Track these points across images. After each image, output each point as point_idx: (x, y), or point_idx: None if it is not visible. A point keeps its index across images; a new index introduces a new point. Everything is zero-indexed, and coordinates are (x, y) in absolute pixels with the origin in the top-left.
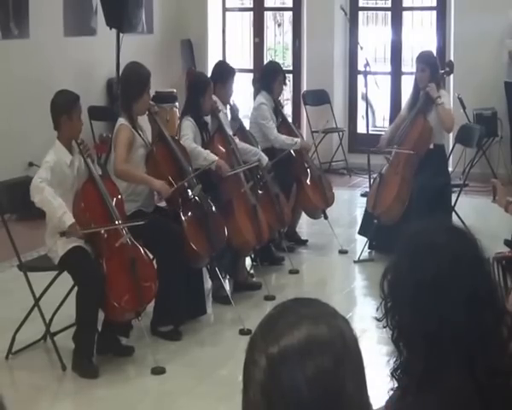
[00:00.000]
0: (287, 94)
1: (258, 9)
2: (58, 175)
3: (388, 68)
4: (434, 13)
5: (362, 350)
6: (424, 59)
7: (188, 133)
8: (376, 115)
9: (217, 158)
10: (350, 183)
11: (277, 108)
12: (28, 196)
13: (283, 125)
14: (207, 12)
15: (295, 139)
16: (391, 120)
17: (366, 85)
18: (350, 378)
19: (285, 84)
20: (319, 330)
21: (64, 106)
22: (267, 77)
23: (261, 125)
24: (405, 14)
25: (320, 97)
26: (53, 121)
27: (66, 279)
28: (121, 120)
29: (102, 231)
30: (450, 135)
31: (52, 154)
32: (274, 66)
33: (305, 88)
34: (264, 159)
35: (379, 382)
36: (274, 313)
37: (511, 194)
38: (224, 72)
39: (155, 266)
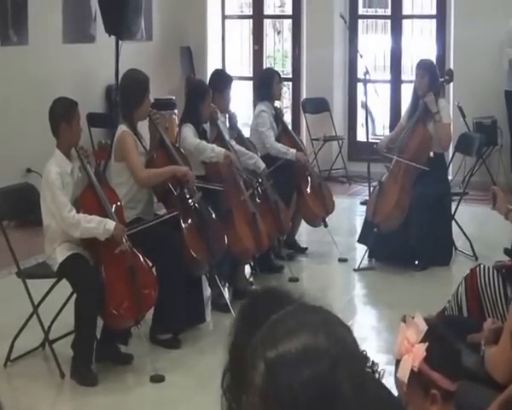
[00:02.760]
0: (286, 102)
1: (258, 17)
2: (63, 187)
3: (388, 76)
4: (434, 21)
5: None
6: (424, 65)
7: (189, 134)
8: (376, 123)
9: (224, 150)
10: (349, 191)
11: (278, 116)
12: (27, 202)
13: (284, 133)
14: (207, 19)
15: (291, 150)
16: (391, 128)
17: (366, 93)
18: (346, 386)
19: (281, 83)
20: (317, 339)
21: (63, 113)
22: (264, 84)
23: (260, 133)
24: (405, 22)
25: (319, 105)
26: (52, 129)
27: (64, 286)
28: (123, 127)
29: (103, 239)
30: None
31: (54, 166)
32: (268, 71)
33: (304, 96)
34: (262, 164)
35: None
36: (276, 317)
37: (511, 203)
38: (222, 80)
39: (155, 273)
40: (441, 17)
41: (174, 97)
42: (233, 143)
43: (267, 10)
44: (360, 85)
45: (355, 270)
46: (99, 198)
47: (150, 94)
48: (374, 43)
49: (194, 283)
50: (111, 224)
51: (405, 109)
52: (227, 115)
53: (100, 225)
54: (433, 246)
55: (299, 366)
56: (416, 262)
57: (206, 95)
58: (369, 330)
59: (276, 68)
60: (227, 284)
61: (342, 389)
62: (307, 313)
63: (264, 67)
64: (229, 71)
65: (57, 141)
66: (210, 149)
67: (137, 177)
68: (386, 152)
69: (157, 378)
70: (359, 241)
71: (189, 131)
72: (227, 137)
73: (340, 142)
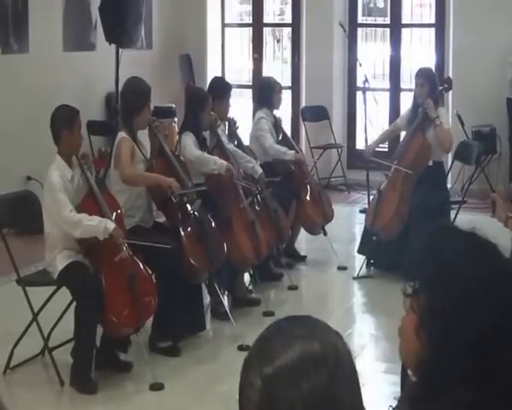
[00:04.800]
0: (286, 110)
1: (258, 25)
2: (64, 191)
3: (387, 85)
4: (433, 30)
5: (360, 367)
6: (423, 74)
7: (189, 144)
8: (375, 131)
9: (226, 163)
10: (349, 199)
11: (277, 125)
12: (27, 210)
13: (283, 142)
14: (206, 27)
15: (290, 151)
16: None
17: (365, 102)
18: (345, 393)
19: (281, 92)
20: (312, 348)
21: (65, 120)
22: (264, 92)
23: (259, 137)
24: (404, 30)
25: (319, 113)
26: (53, 136)
27: (64, 294)
28: (122, 134)
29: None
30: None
31: (55, 171)
32: (267, 80)
33: (303, 104)
34: (259, 170)
35: (378, 398)
36: (267, 333)
37: (510, 211)
38: (221, 88)
39: (154, 281)
40: (440, 26)
41: (174, 105)
42: (230, 146)
43: (267, 19)
44: (359, 94)
45: (354, 278)
46: (99, 206)
47: (150, 103)
48: (373, 52)
49: (194, 290)
50: (111, 224)
51: (403, 113)
52: (226, 123)
53: (101, 224)
54: None
55: (297, 378)
56: None
57: (205, 103)
58: (367, 339)
59: (275, 77)
60: (226, 292)
61: (341, 400)
62: (297, 324)
63: (263, 77)
64: (229, 79)
65: (58, 148)
66: (212, 162)
67: (123, 172)
68: (373, 157)
69: (156, 386)
70: (359, 251)
71: (189, 140)
72: (226, 145)
73: (340, 150)
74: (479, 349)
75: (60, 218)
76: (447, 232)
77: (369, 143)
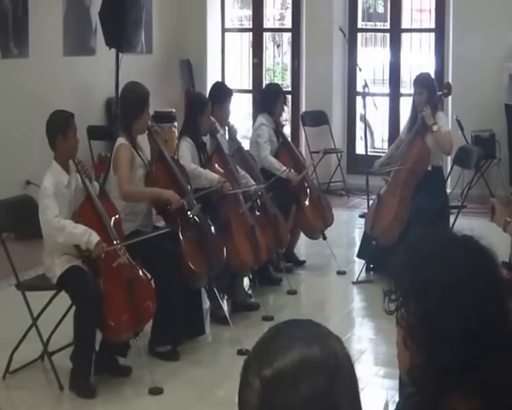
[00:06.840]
0: (285, 115)
1: (258, 30)
2: (57, 197)
3: (387, 90)
4: (433, 35)
5: (359, 372)
6: (421, 82)
7: (185, 154)
8: (375, 137)
9: (218, 177)
10: (348, 204)
11: (278, 129)
12: (26, 214)
13: (284, 147)
14: (207, 32)
15: (283, 168)
16: (389, 142)
17: (365, 107)
18: (344, 397)
19: (285, 104)
20: (312, 351)
21: (58, 125)
22: (268, 99)
23: (257, 144)
24: (404, 35)
25: (319, 118)
26: (49, 142)
27: (64, 298)
28: (121, 140)
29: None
30: (449, 157)
31: (50, 177)
32: (275, 87)
33: (303, 109)
34: (253, 185)
35: (376, 402)
36: (267, 335)
37: (509, 215)
38: (221, 93)
39: (153, 285)
40: (440, 31)
41: (174, 110)
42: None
43: (267, 23)
44: (359, 98)
45: (353, 283)
46: (97, 211)
47: (150, 107)
48: (373, 57)
49: (194, 295)
50: (95, 237)
51: (404, 124)
52: (226, 128)
53: (85, 234)
54: None
55: (297, 381)
56: None
57: (205, 108)
58: (367, 343)
59: (276, 82)
60: (226, 297)
61: (340, 404)
62: (298, 327)
63: (271, 82)
64: (229, 84)
65: (54, 153)
66: (204, 177)
67: (121, 189)
68: (382, 169)
69: (155, 390)
70: (358, 256)
71: (186, 149)
72: (226, 150)
73: (339, 155)
74: (469, 342)
75: (44, 222)
76: (420, 241)
77: (378, 160)
